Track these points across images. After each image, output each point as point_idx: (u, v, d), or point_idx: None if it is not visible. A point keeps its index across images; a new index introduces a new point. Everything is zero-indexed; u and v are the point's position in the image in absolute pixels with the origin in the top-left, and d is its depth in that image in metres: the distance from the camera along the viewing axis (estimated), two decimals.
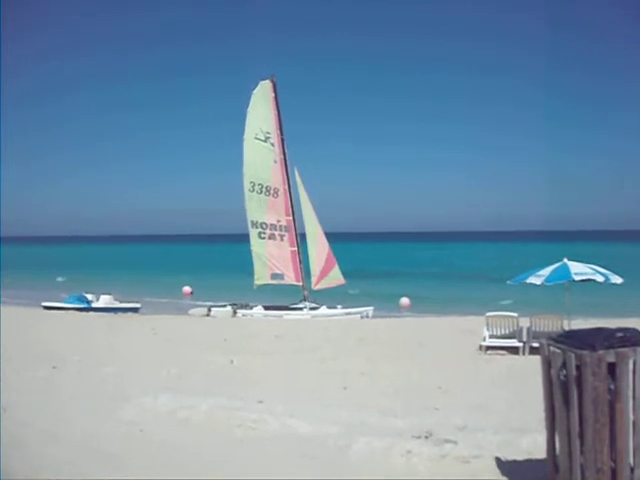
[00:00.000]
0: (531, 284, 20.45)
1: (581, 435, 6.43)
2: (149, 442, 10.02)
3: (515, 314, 21.75)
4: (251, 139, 38.08)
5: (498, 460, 8.29)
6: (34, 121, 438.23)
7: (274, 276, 38.10)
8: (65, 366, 17.01)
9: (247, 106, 38.09)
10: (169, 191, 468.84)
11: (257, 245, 38.14)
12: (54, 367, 16.77)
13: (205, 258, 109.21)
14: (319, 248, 38.44)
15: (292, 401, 12.89)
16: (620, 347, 6.45)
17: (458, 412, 12.21)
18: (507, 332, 21.10)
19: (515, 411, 12.12)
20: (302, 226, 38.48)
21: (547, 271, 20.30)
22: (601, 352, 6.36)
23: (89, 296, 39.27)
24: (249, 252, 38.49)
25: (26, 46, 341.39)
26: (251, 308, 35.87)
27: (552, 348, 6.94)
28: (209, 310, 35.82)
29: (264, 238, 38.06)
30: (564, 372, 6.59)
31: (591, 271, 20.17)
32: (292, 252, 38.42)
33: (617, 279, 20.27)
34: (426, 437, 9.38)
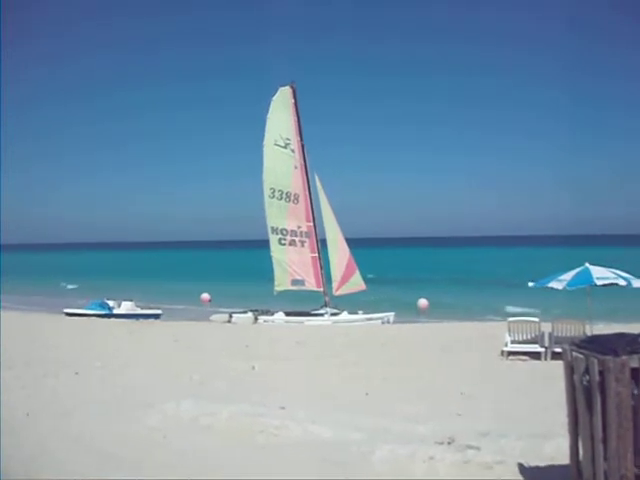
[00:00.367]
0: (553, 289, 20.34)
1: (604, 441, 6.40)
2: (172, 448, 10.07)
3: (537, 319, 21.66)
4: (271, 145, 38.10)
5: (521, 466, 8.27)
6: (35, 126, 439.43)
7: (295, 282, 38.06)
8: (87, 372, 17.11)
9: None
10: (175, 198, 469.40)
11: (277, 251, 38.13)
12: (76, 373, 16.89)
13: (220, 265, 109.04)
14: (340, 254, 38.39)
15: (314, 407, 12.91)
16: None
17: (481, 418, 12.19)
18: (529, 337, 21.00)
19: (538, 416, 12.07)
20: (323, 232, 38.45)
21: (569, 276, 20.18)
22: (624, 357, 6.32)
23: (110, 303, 39.42)
24: (266, 258, 38.48)
25: (26, 51, 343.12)
26: (272, 314, 35.83)
27: (575, 353, 6.92)
28: (230, 316, 35.82)
29: (284, 244, 38.06)
30: (587, 377, 6.57)
31: (613, 275, 20.02)
32: (313, 258, 38.38)
33: (639, 283, 20.11)
34: (449, 443, 9.37)
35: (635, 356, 6.37)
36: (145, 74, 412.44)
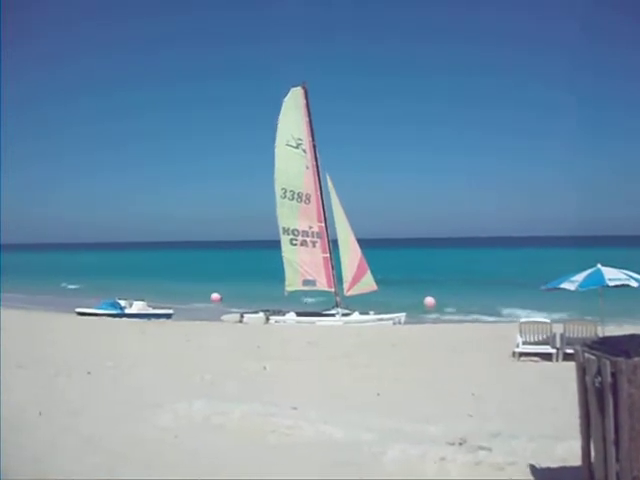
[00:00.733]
0: (565, 290, 20.30)
1: (617, 442, 6.40)
2: (183, 448, 10.10)
3: (548, 320, 21.66)
4: (282, 146, 38.15)
5: (533, 467, 8.27)
6: (35, 126, 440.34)
7: (306, 282, 38.06)
8: (99, 372, 17.17)
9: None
10: (175, 198, 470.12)
11: (289, 252, 38.15)
12: (88, 373, 16.94)
13: (225, 265, 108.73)
14: (351, 254, 38.38)
15: (326, 407, 12.92)
16: None
17: (492, 419, 12.19)
18: (540, 338, 20.97)
19: (549, 418, 12.06)
20: (334, 232, 38.45)
21: (581, 277, 20.13)
22: (637, 359, 6.31)
23: (122, 302, 39.50)
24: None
25: (26, 51, 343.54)
26: (284, 314, 35.89)
27: (587, 355, 6.92)
28: (241, 316, 35.84)
29: (296, 245, 38.07)
30: (599, 379, 6.57)
31: (625, 276, 19.96)
32: (324, 258, 38.38)
33: None
34: (460, 444, 9.38)
35: None
36: (145, 74, 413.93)
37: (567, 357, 18.84)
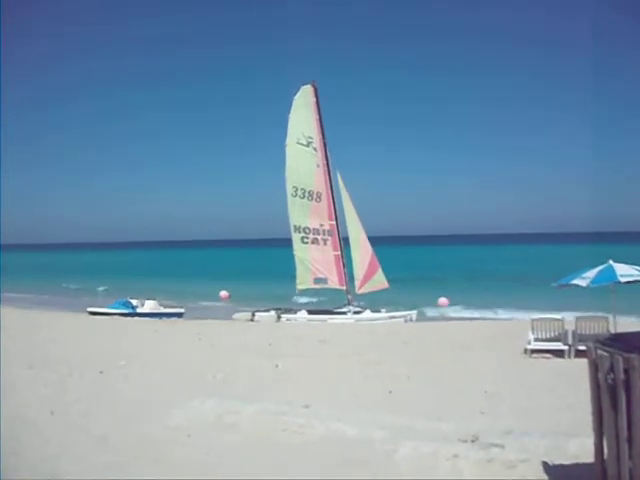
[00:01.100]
0: (576, 286, 20.23)
1: (629, 439, 6.38)
2: (196, 446, 10.13)
3: (560, 317, 21.59)
4: (293, 144, 38.12)
5: (545, 464, 8.25)
6: (35, 126, 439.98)
7: (317, 280, 38.02)
8: (111, 371, 17.24)
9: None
10: (174, 198, 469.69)
11: (300, 250, 38.12)
12: (101, 372, 17.01)
13: (231, 263, 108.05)
14: (362, 252, 38.32)
15: (337, 405, 12.93)
16: None
17: (504, 416, 12.18)
18: (552, 335, 20.92)
19: (562, 415, 12.04)
20: (345, 230, 38.41)
21: (592, 273, 20.03)
22: None
23: (134, 301, 39.56)
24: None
25: (26, 51, 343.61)
26: (295, 312, 35.91)
27: (599, 351, 6.90)
28: (253, 315, 35.83)
29: (307, 243, 38.03)
30: (612, 375, 6.55)
31: (637, 272, 19.85)
32: (335, 256, 38.32)
33: None
34: (472, 441, 9.37)
35: None
36: (145, 74, 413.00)
37: (579, 354, 18.78)
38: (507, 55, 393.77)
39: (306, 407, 12.19)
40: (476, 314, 39.36)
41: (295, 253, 38.13)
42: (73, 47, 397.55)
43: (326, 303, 40.92)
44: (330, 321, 34.26)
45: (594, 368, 6.98)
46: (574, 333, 20.56)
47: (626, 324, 20.82)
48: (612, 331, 18.64)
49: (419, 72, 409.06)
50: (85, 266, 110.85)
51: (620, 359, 6.42)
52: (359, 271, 37.95)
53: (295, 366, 18.63)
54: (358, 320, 34.68)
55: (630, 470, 6.39)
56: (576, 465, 8.15)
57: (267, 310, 36.38)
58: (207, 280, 68.03)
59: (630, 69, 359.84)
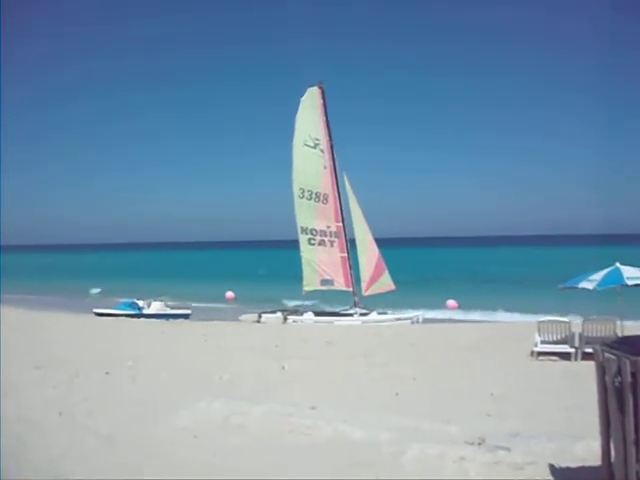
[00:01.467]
0: (583, 289, 20.20)
1: (637, 442, 6.38)
2: (203, 448, 10.15)
3: (567, 319, 21.56)
4: (300, 146, 38.17)
5: (552, 467, 8.25)
6: (35, 126, 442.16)
7: (324, 282, 38.06)
8: (118, 372, 17.26)
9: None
10: (174, 198, 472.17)
11: (307, 251, 38.15)
12: (107, 373, 17.04)
13: (234, 265, 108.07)
14: (369, 254, 38.34)
15: (344, 407, 12.92)
16: None
17: (511, 418, 12.17)
18: (559, 338, 20.90)
19: (569, 417, 12.02)
20: (352, 232, 38.42)
21: (599, 276, 20.01)
22: None
23: (140, 303, 39.65)
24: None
25: (26, 51, 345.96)
26: (302, 314, 35.94)
27: (606, 354, 6.90)
28: (259, 316, 35.87)
29: (314, 244, 38.06)
30: (619, 378, 6.55)
31: None
32: (342, 258, 38.35)
33: None
34: (479, 444, 9.37)
35: None
36: (145, 74, 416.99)
37: (586, 356, 18.78)
38: (507, 55, 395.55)
39: (313, 408, 12.20)
40: (481, 316, 39.35)
41: (302, 255, 38.21)
42: (73, 47, 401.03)
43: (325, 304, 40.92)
44: (336, 323, 34.27)
45: (601, 371, 6.98)
46: (581, 336, 20.54)
47: (633, 327, 20.72)
48: (619, 334, 18.62)
49: (419, 72, 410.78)
50: (86, 267, 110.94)
51: (627, 362, 6.42)
52: (366, 273, 37.99)
53: (302, 367, 18.64)
54: (365, 322, 34.69)
55: (637, 473, 6.39)
56: (583, 468, 8.15)
57: (274, 312, 36.47)
58: (212, 281, 68.06)
59: (631, 69, 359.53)
